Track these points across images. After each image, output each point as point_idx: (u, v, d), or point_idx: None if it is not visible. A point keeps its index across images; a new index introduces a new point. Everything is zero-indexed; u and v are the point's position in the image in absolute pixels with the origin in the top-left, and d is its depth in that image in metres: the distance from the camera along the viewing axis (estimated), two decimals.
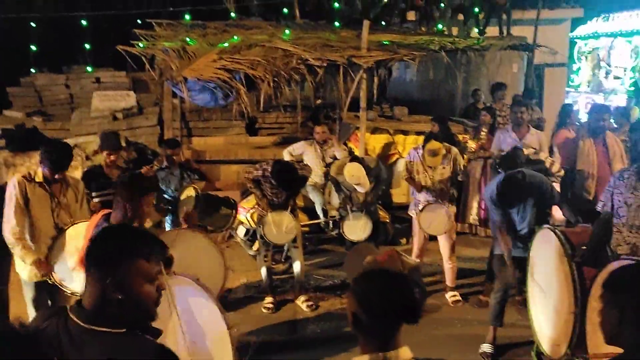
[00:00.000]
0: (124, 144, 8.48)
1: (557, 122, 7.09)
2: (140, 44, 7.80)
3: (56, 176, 4.02)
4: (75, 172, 6.42)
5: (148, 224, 5.32)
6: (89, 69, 11.07)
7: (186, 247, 3.54)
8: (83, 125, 9.19)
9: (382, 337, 1.73)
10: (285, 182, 5.30)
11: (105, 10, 10.86)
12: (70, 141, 8.37)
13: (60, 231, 3.96)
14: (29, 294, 4.20)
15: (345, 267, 4.77)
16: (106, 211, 3.45)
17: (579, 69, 15.89)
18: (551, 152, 6.33)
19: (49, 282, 3.90)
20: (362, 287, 1.77)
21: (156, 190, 3.82)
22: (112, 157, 5.17)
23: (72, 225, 3.95)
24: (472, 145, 7.21)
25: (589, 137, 5.36)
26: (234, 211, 5.94)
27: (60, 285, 3.85)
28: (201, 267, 3.40)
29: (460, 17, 11.49)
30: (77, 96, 10.94)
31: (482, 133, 7.22)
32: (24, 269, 4.10)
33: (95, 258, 1.74)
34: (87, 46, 11.67)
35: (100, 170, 5.23)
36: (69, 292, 3.83)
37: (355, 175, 5.93)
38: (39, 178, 4.03)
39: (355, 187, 5.99)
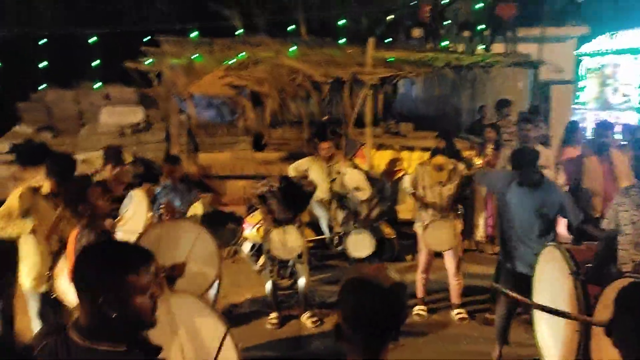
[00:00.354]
0: (131, 159, 8.58)
1: (563, 139, 7.08)
2: (148, 61, 7.90)
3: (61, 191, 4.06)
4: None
5: None
6: (97, 85, 11.19)
7: (175, 238, 3.54)
8: (91, 140, 9.27)
9: (365, 350, 1.72)
10: (291, 201, 5.32)
11: (114, 27, 11.00)
12: (79, 156, 8.45)
13: (63, 245, 3.97)
14: (33, 307, 4.20)
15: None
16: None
17: (584, 86, 15.90)
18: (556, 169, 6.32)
19: (51, 296, 3.91)
20: (344, 297, 1.77)
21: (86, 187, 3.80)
22: (114, 172, 5.19)
23: None
24: (478, 161, 7.21)
25: (594, 154, 5.35)
26: (239, 226, 5.95)
27: (63, 299, 3.85)
28: (194, 256, 3.36)
29: (466, 33, 11.55)
30: (86, 112, 11.03)
31: (488, 149, 7.22)
32: (27, 277, 4.11)
33: (82, 279, 1.72)
34: (96, 62, 11.81)
35: (105, 185, 5.25)
36: (72, 306, 3.83)
37: (354, 180, 5.93)
38: (45, 191, 4.07)
39: (356, 194, 5.98)
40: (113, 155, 5.36)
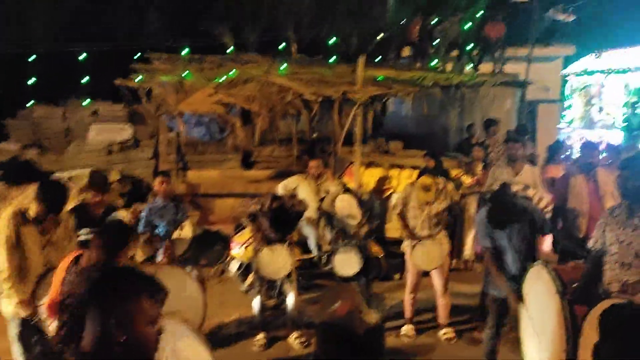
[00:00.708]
0: (118, 177, 8.53)
1: (546, 158, 7.15)
2: (138, 78, 7.90)
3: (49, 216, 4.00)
4: (68, 204, 6.39)
5: (140, 257, 5.31)
6: (86, 102, 11.15)
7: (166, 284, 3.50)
8: (78, 158, 9.22)
9: None
10: (281, 221, 5.31)
11: (104, 44, 11.00)
12: (65, 174, 8.41)
13: (47, 270, 3.88)
14: (13, 330, 4.10)
15: (321, 308, 4.70)
16: (76, 253, 3.36)
17: (570, 105, 16.11)
18: None
19: (32, 321, 3.83)
20: (317, 341, 1.76)
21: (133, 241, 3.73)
22: (99, 197, 5.13)
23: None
24: (466, 180, 7.24)
25: (580, 173, 5.39)
26: (227, 245, 5.90)
27: (44, 326, 3.76)
28: (180, 305, 3.34)
29: (455, 53, 11.68)
30: (74, 129, 10.99)
31: (478, 168, 7.26)
32: (7, 305, 4.03)
33: (99, 297, 1.73)
34: (86, 79, 11.78)
35: (87, 208, 5.13)
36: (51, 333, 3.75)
37: (346, 207, 5.92)
38: (32, 213, 4.00)
39: (346, 219, 5.98)
40: (97, 180, 5.29)
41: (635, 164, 3.80)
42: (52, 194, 3.98)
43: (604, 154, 7.03)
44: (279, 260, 5.38)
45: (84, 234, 4.82)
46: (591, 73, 14.62)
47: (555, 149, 7.06)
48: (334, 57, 10.03)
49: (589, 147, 5.80)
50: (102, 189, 5.17)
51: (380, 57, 11.74)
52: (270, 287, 5.99)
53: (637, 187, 3.60)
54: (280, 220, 5.32)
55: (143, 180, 8.85)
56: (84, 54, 10.33)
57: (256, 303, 5.52)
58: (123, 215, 5.03)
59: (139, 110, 9.78)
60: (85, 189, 5.76)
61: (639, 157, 6.37)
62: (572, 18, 13.09)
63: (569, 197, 5.26)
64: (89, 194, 5.23)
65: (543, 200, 5.44)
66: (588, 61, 15.04)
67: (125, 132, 9.77)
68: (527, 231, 4.34)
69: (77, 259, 3.29)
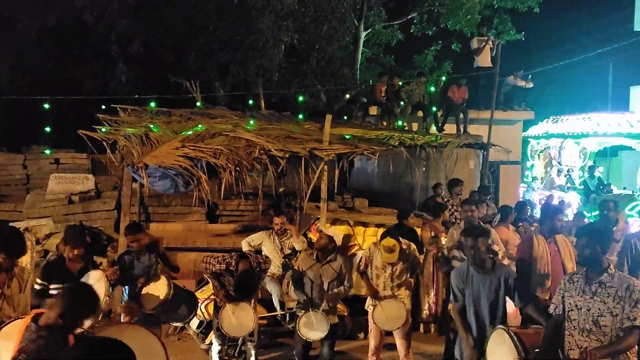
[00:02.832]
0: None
1: (498, 219, 7.31)
2: (103, 129, 7.82)
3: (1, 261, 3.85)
4: (24, 256, 6.16)
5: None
6: (47, 151, 10.96)
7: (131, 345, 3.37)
8: (37, 207, 8.97)
9: None
10: (246, 284, 5.24)
11: (71, 94, 10.92)
12: (22, 224, 8.15)
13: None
14: None
15: None
16: (36, 312, 3.24)
17: (532, 166, 16.64)
18: None
19: None
20: None
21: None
22: (75, 252, 4.96)
23: (12, 321, 3.71)
24: (443, 239, 7.28)
25: (542, 236, 5.49)
26: (195, 308, 5.70)
27: None
28: None
29: (420, 114, 12.02)
30: (34, 177, 10.77)
31: (441, 228, 7.33)
32: None
33: None
34: (49, 129, 11.65)
35: (62, 262, 4.98)
36: None
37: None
38: None
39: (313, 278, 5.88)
40: (73, 236, 5.12)
41: (589, 232, 3.89)
42: (11, 243, 3.85)
43: (566, 218, 7.21)
44: (242, 318, 5.26)
45: (53, 289, 4.65)
46: (550, 136, 15.20)
47: (506, 211, 7.25)
48: (302, 115, 10.20)
49: (551, 210, 5.93)
50: (77, 243, 4.99)
51: (347, 116, 12.00)
52: (231, 346, 5.82)
53: (593, 254, 3.68)
54: (246, 282, 5.24)
55: (103, 233, 8.63)
56: (47, 104, 10.22)
57: None
58: (97, 277, 4.83)
59: (103, 161, 9.63)
60: (62, 245, 5.55)
61: (593, 225, 6.58)
62: (530, 85, 13.70)
63: (532, 260, 5.33)
64: (65, 251, 5.04)
65: (504, 259, 5.51)
66: (547, 125, 15.66)
67: (86, 182, 9.58)
68: (496, 288, 4.37)
69: (37, 319, 3.15)
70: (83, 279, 4.72)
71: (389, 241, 5.40)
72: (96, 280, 4.73)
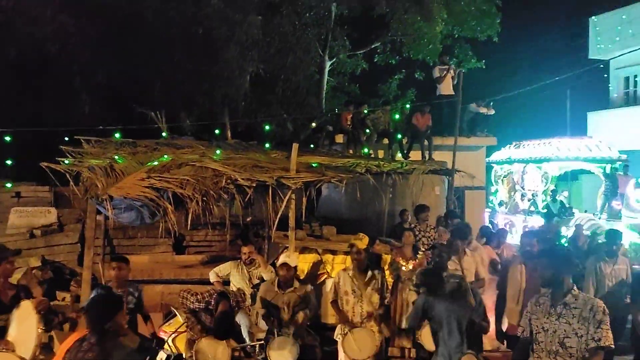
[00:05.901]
0: (39, 263, 8.06)
1: (483, 241, 7.41)
2: (66, 161, 7.66)
3: None
4: None
5: None
6: (9, 184, 10.67)
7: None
8: None
9: None
10: (225, 323, 5.21)
11: (33, 126, 10.70)
12: None
13: None
14: None
15: None
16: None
17: (496, 191, 16.98)
18: None
19: None
20: None
21: None
22: None
23: None
24: (408, 266, 7.29)
25: (519, 261, 5.58)
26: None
27: None
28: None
29: (385, 141, 12.18)
30: None
31: (409, 253, 7.36)
32: None
33: None
34: (10, 161, 11.34)
35: None
36: None
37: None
38: None
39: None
40: None
41: (550, 255, 3.98)
42: None
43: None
44: (217, 353, 5.19)
45: None
46: (512, 162, 15.56)
47: (489, 233, 7.37)
48: (269, 143, 10.21)
49: (528, 235, 6.05)
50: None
51: (314, 144, 12.06)
52: None
53: (555, 276, 3.75)
54: (226, 323, 5.21)
55: (66, 267, 8.41)
56: (9, 137, 9.98)
57: None
58: (26, 305, 4.65)
59: (66, 193, 9.43)
60: None
61: (555, 247, 6.73)
62: (492, 112, 14.05)
63: (507, 284, 5.40)
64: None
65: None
66: (509, 151, 16.05)
67: (48, 215, 9.36)
68: (464, 311, 4.41)
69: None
70: (13, 311, 4.56)
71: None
72: (24, 314, 4.56)
